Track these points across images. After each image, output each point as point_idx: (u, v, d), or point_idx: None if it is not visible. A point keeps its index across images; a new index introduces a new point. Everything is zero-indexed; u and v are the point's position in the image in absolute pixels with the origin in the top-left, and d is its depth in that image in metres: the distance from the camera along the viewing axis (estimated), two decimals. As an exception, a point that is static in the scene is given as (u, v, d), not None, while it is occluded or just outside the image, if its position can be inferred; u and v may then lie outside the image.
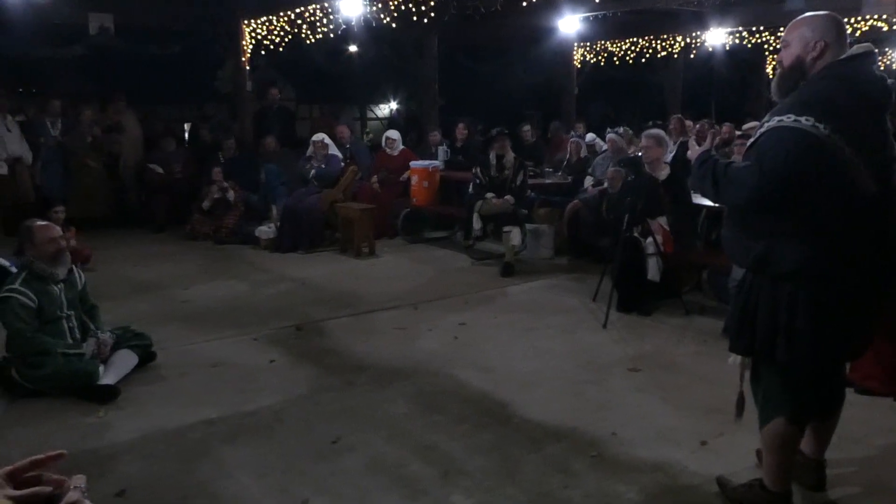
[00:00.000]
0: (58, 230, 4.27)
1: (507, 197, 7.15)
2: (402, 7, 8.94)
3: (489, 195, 7.21)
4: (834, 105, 2.40)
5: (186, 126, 13.41)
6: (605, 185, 6.99)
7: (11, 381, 4.06)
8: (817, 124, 2.35)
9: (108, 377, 4.09)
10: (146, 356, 4.44)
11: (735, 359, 2.83)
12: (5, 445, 3.45)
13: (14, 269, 5.04)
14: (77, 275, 4.36)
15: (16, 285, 4.03)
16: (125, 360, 4.27)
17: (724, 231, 2.77)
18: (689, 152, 2.88)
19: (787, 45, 2.59)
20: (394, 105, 19.71)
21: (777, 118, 2.44)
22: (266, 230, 8.29)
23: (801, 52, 2.53)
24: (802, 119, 2.37)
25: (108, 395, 3.97)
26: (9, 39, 8.85)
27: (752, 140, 2.59)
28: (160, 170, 9.47)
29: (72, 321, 4.25)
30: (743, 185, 2.48)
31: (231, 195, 8.71)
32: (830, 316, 2.48)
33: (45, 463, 1.13)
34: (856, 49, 2.50)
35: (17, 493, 1.08)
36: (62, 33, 9.55)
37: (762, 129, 2.51)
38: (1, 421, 3.75)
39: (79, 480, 1.11)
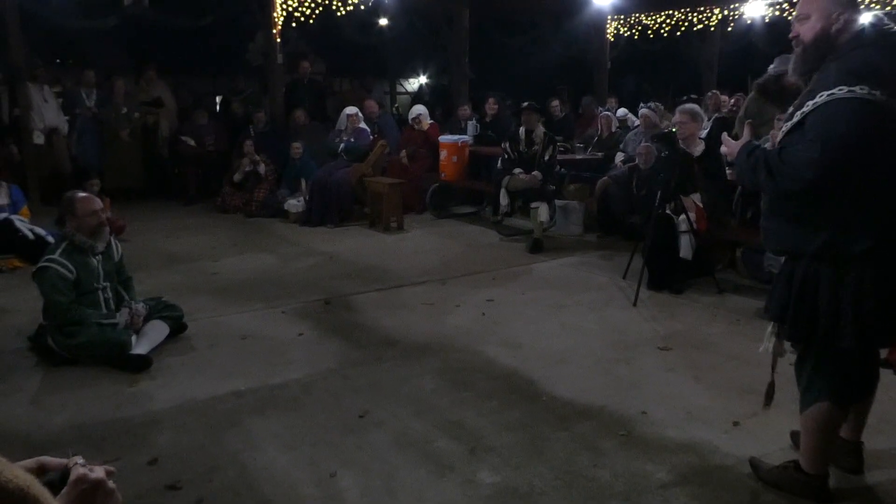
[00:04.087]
0: (99, 203, 4.28)
1: (535, 173, 7.07)
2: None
3: (517, 171, 7.14)
4: (881, 72, 2.32)
5: (218, 99, 13.45)
6: (637, 161, 6.88)
7: (48, 348, 4.15)
8: (873, 91, 2.27)
9: (140, 347, 4.15)
10: (177, 327, 4.50)
11: (767, 346, 2.75)
12: (44, 412, 3.53)
13: (51, 239, 5.12)
14: (114, 246, 4.41)
15: (55, 256, 4.09)
16: (157, 330, 4.33)
17: (768, 224, 2.61)
18: (723, 148, 2.77)
19: (806, 18, 2.46)
20: (423, 79, 19.57)
21: (827, 92, 2.33)
22: (295, 204, 8.33)
23: (825, 25, 2.42)
24: (857, 88, 2.28)
25: (140, 364, 4.03)
26: (46, 10, 8.92)
27: (794, 121, 2.45)
28: (192, 142, 9.53)
29: (107, 292, 4.31)
30: (804, 165, 2.33)
31: (262, 168, 8.76)
32: (890, 297, 2.41)
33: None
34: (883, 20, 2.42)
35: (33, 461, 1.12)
36: (97, 4, 9.59)
37: (809, 109, 2.38)
38: (38, 388, 3.83)
39: (78, 459, 1.14)
